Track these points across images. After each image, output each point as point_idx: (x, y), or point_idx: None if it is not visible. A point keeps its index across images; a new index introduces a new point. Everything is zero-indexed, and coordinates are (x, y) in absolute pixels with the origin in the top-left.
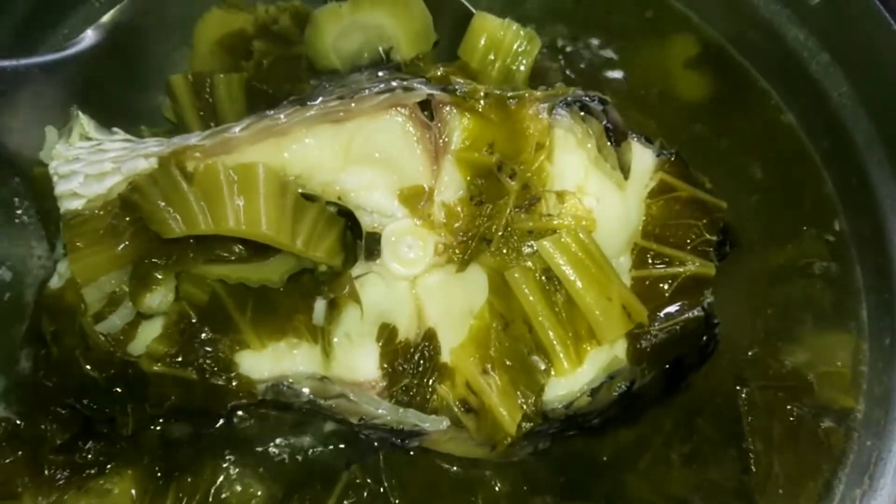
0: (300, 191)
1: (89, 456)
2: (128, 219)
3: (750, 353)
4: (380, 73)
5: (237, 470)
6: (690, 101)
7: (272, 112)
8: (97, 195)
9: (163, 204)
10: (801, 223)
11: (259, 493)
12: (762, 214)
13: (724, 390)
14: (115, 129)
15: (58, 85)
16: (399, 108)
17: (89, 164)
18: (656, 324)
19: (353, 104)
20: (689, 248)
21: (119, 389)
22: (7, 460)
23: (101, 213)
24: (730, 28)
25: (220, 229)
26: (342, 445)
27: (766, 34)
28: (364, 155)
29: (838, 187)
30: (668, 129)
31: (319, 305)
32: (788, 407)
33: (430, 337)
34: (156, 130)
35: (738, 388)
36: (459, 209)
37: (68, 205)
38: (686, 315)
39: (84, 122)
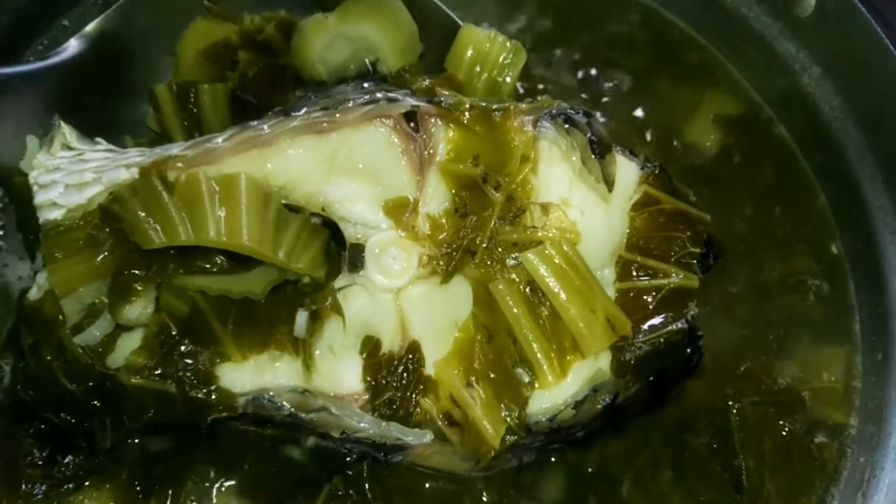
0: (283, 202)
1: (68, 470)
2: (108, 229)
3: (742, 369)
4: (365, 85)
5: (217, 484)
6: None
7: (256, 123)
8: (77, 205)
9: (143, 214)
10: (794, 237)
11: None
12: (755, 228)
13: (714, 406)
14: (97, 139)
15: (40, 94)
16: (383, 120)
17: (70, 173)
18: (640, 336)
19: (337, 115)
20: (673, 260)
21: (97, 403)
22: None
23: (81, 223)
24: (722, 40)
25: (201, 240)
26: (324, 458)
27: (757, 47)
28: (348, 166)
29: (831, 200)
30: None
31: (301, 317)
32: (781, 422)
33: (413, 349)
34: (140, 140)
35: (729, 403)
36: (444, 221)
37: (48, 215)
38: (670, 327)
39: (66, 132)
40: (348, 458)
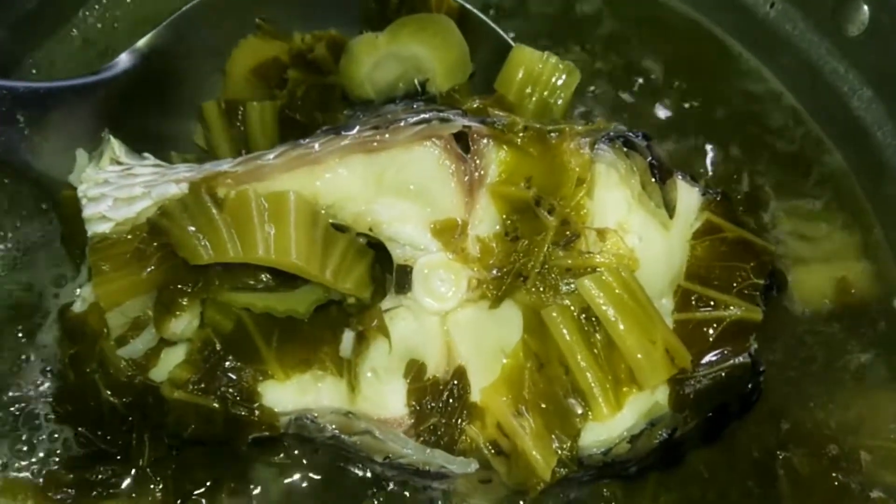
0: (331, 221)
1: (100, 476)
2: (155, 244)
3: (788, 416)
4: (415, 105)
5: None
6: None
7: (306, 140)
8: (126, 219)
9: (192, 230)
10: (848, 269)
11: None
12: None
13: (758, 454)
14: (145, 154)
15: (90, 108)
16: (434, 140)
17: (119, 187)
18: (700, 370)
19: (387, 134)
20: (735, 291)
21: (137, 417)
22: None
23: (129, 237)
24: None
25: (249, 257)
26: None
27: (803, 67)
28: (397, 186)
29: (885, 229)
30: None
31: (347, 337)
32: (833, 474)
33: (459, 375)
34: (186, 157)
35: (777, 452)
36: (494, 245)
37: (96, 228)
38: (731, 361)
39: (115, 147)
40: (389, 486)
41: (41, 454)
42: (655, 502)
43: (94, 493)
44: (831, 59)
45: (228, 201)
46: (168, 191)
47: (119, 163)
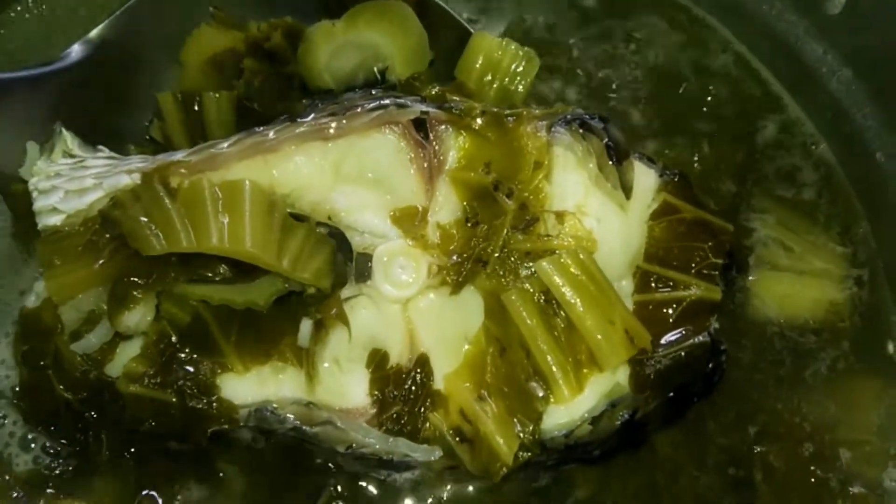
0: (289, 210)
1: (56, 473)
2: (108, 236)
3: (764, 406)
4: (373, 92)
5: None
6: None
7: (261, 129)
8: (77, 211)
9: (144, 220)
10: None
11: None
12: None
13: (734, 447)
14: (100, 147)
15: (42, 100)
16: (392, 126)
17: (70, 179)
18: (660, 350)
19: (344, 121)
20: (694, 271)
21: (94, 413)
22: None
23: (81, 229)
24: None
25: (203, 247)
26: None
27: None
28: (355, 174)
29: (865, 205)
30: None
31: (305, 326)
32: (812, 468)
33: (422, 363)
34: (143, 150)
35: (754, 447)
36: (454, 231)
37: (47, 220)
38: (691, 341)
39: (68, 139)
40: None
41: None
42: (623, 486)
43: (51, 491)
44: (810, 40)
45: (182, 191)
46: (120, 181)
47: (72, 155)
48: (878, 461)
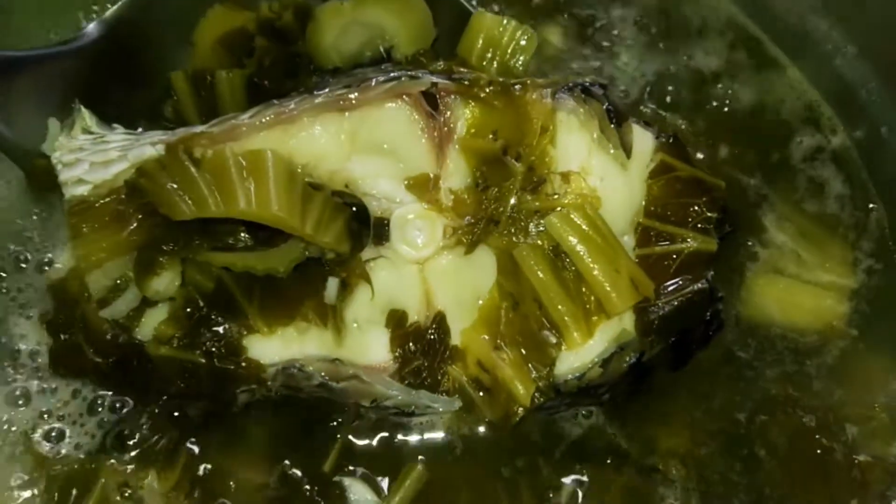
0: (307, 180)
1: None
2: (134, 205)
3: (769, 376)
4: (383, 66)
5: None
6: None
7: (279, 101)
8: (103, 181)
9: (173, 187)
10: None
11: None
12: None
13: (736, 416)
14: (115, 125)
15: (60, 78)
16: (405, 97)
17: (94, 153)
18: (662, 298)
19: (358, 93)
20: (690, 225)
21: (124, 375)
22: None
23: (107, 199)
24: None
25: (231, 211)
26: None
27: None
28: (370, 144)
29: (874, 179)
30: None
31: (332, 284)
32: (817, 437)
33: (439, 319)
34: (155, 127)
35: (757, 414)
36: (466, 195)
37: (73, 191)
38: (690, 288)
39: (86, 116)
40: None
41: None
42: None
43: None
44: (814, 17)
45: (206, 160)
46: (144, 152)
47: (90, 132)
48: (885, 435)
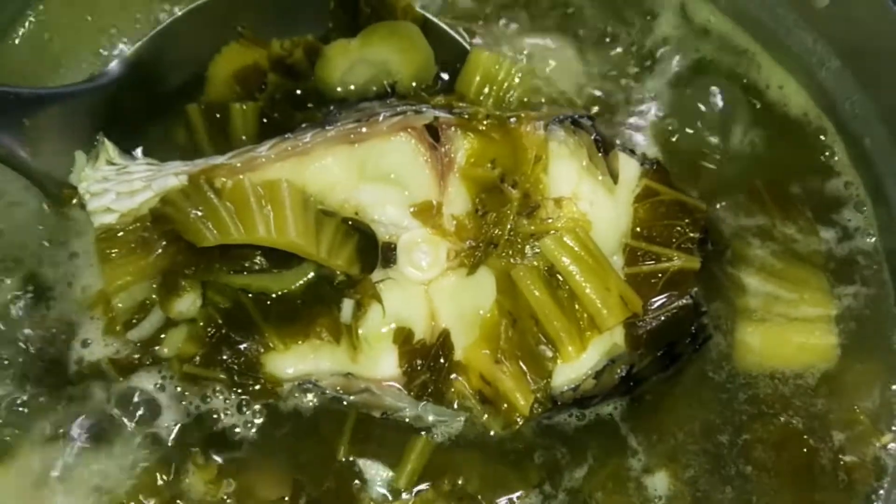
0: (319, 207)
1: None
2: (158, 232)
3: (758, 381)
4: (388, 101)
5: None
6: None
7: (293, 134)
8: (129, 210)
9: (197, 214)
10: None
11: None
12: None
13: (720, 417)
14: (135, 153)
15: (84, 113)
16: (409, 130)
17: (119, 183)
18: (650, 313)
19: (366, 127)
20: (674, 245)
21: None
22: None
23: (133, 227)
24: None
25: (252, 238)
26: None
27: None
28: (378, 173)
29: (863, 188)
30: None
31: (348, 305)
32: (805, 437)
33: (444, 337)
34: (170, 158)
35: (743, 417)
36: (466, 220)
37: (101, 219)
38: (676, 303)
39: (109, 148)
40: None
41: None
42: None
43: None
44: (799, 31)
45: (226, 190)
46: (168, 182)
47: (114, 163)
48: (868, 437)
